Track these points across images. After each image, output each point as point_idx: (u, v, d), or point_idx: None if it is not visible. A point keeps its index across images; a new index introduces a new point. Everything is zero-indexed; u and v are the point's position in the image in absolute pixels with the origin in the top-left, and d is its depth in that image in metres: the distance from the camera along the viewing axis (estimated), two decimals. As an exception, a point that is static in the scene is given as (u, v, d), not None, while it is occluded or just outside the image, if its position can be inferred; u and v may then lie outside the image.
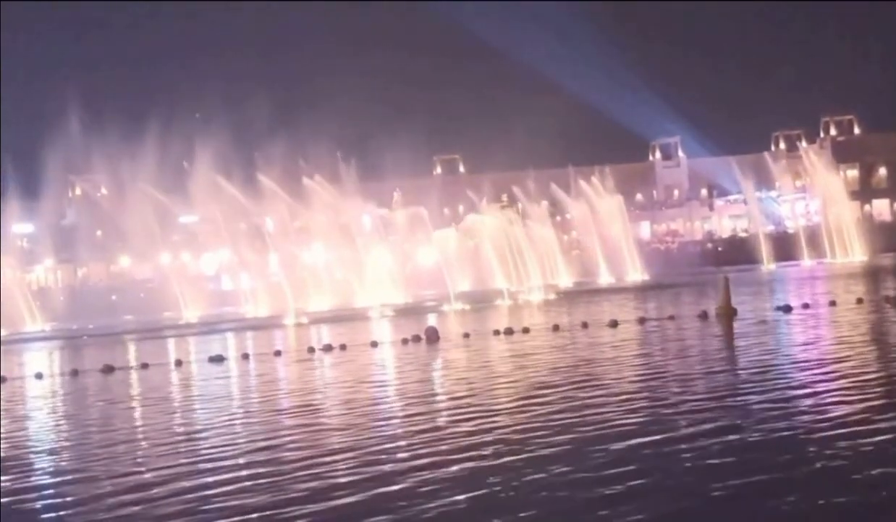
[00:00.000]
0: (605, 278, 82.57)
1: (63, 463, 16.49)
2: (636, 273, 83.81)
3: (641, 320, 35.62)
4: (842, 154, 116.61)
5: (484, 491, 12.19)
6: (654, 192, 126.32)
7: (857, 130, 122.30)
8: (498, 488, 12.34)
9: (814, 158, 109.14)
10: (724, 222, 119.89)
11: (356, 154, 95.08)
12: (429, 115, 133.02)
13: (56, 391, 28.36)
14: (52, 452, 17.90)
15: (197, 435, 18.23)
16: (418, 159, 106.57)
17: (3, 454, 17.10)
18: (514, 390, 20.91)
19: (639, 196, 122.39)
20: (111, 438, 18.43)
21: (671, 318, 36.02)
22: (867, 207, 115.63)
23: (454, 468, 13.63)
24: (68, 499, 13.39)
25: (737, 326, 31.68)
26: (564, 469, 13.02)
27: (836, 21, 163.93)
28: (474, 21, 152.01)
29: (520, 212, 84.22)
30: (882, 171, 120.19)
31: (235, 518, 11.78)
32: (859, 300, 37.73)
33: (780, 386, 18.67)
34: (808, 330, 30.10)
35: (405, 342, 33.95)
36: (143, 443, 17.76)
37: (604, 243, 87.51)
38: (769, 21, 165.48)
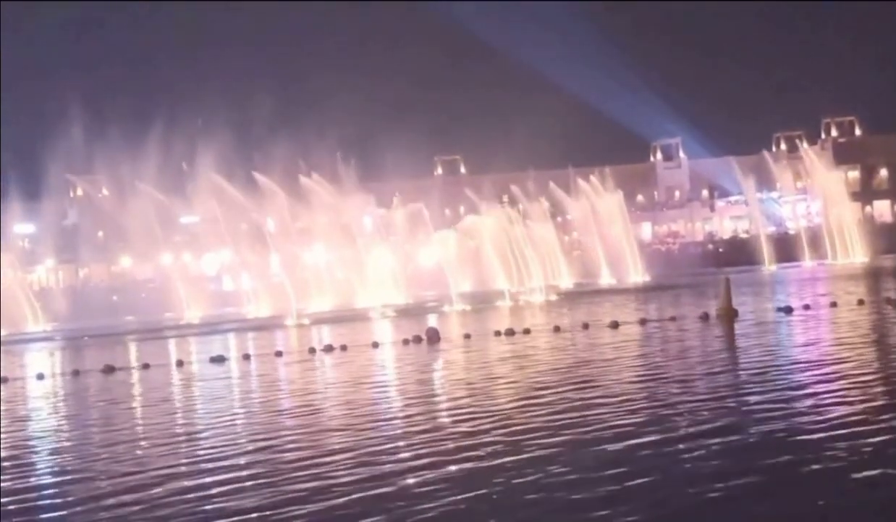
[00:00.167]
0: (606, 279, 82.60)
1: (64, 463, 16.50)
2: (637, 274, 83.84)
3: (642, 322, 35.63)
4: (843, 155, 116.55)
5: (483, 491, 12.20)
6: (655, 193, 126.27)
7: (857, 132, 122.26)
8: (497, 488, 12.35)
9: (814, 158, 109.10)
10: (725, 223, 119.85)
11: (357, 155, 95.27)
12: (430, 115, 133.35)
13: (57, 391, 28.38)
14: (52, 452, 17.92)
15: (197, 435, 18.25)
16: (419, 160, 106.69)
17: (3, 454, 17.12)
18: (514, 390, 20.92)
19: (640, 197, 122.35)
20: (112, 438, 18.45)
21: (672, 319, 36.01)
22: (868, 208, 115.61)
23: (454, 468, 13.65)
24: (68, 499, 13.40)
25: (738, 327, 31.68)
26: (563, 469, 13.03)
27: (837, 22, 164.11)
28: (475, 21, 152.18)
29: (521, 212, 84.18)
30: (883, 172, 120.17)
31: (235, 518, 11.79)
32: (860, 302, 37.73)
33: (780, 387, 18.67)
34: (809, 331, 30.10)
35: (406, 342, 33.96)
36: (143, 443, 17.77)
37: (605, 243, 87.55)
38: (770, 21, 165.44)
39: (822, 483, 11.67)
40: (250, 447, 16.25)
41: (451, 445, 15.18)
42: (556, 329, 35.38)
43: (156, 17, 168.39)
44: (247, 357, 33.14)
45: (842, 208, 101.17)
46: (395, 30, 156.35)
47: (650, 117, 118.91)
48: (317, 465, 14.33)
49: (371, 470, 13.71)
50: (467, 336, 34.89)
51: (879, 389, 17.64)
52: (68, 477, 14.97)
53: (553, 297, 60.00)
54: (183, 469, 14.88)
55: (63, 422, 22.14)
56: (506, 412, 18.01)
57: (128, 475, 14.69)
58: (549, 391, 20.02)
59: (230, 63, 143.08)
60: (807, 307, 37.05)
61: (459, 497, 12.02)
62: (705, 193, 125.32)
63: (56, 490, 14.20)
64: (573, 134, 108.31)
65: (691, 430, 15.04)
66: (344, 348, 33.34)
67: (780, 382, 19.35)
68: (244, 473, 14.17)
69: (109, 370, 31.48)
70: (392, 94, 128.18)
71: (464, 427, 16.61)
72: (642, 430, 15.23)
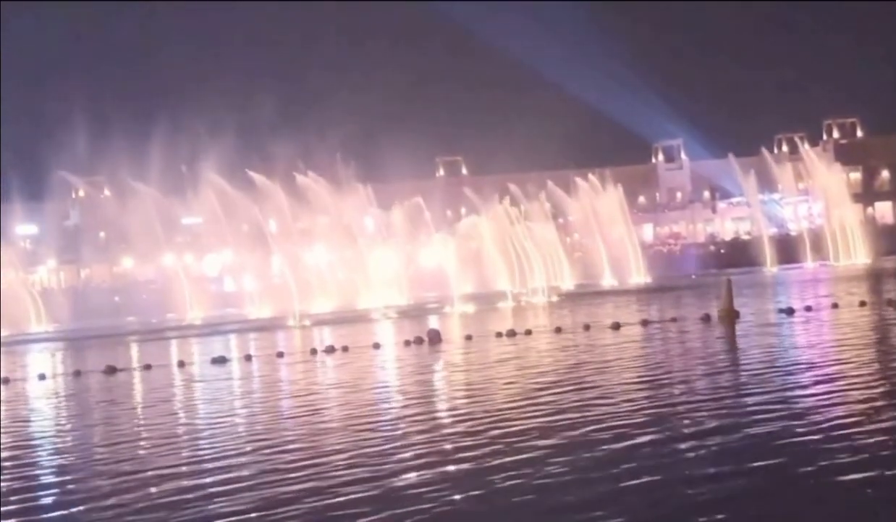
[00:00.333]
0: (607, 281, 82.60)
1: (64, 464, 16.54)
2: (639, 276, 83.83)
3: (644, 323, 35.63)
4: (844, 157, 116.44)
5: (483, 491, 12.22)
6: (657, 194, 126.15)
7: (859, 133, 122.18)
8: (496, 488, 12.36)
9: (816, 160, 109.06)
10: (727, 224, 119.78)
11: (358, 156, 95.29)
12: (431, 116, 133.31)
13: (59, 391, 28.41)
14: (53, 452, 17.96)
15: (198, 436, 18.28)
16: (421, 161, 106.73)
17: (4, 455, 17.14)
18: (514, 391, 20.94)
19: (641, 198, 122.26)
20: (113, 438, 18.48)
21: (673, 320, 36.00)
22: (870, 209, 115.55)
23: (453, 468, 13.67)
24: (69, 499, 13.43)
25: (739, 328, 31.69)
26: (562, 469, 13.04)
27: (839, 22, 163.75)
28: (475, 21, 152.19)
29: (522, 213, 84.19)
30: (885, 174, 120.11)
31: (235, 518, 11.81)
32: (862, 303, 37.71)
33: (780, 388, 18.68)
34: (810, 333, 30.07)
35: (407, 343, 33.97)
36: (144, 443, 17.79)
37: (606, 244, 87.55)
38: (771, 22, 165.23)
39: (822, 483, 11.67)
40: (251, 448, 16.26)
41: (450, 445, 15.20)
42: (558, 330, 35.38)
43: (156, 18, 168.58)
44: (248, 358, 33.17)
45: (843, 210, 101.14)
46: (396, 30, 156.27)
47: (651, 118, 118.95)
48: (317, 465, 14.35)
49: (371, 470, 13.73)
50: (469, 337, 34.90)
51: (879, 390, 17.64)
52: (69, 477, 15.00)
53: (554, 298, 60.01)
54: (184, 469, 14.90)
55: (64, 422, 22.18)
56: (506, 412, 18.02)
57: (128, 475, 14.70)
58: (550, 392, 20.03)
59: (231, 63, 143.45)
60: (808, 309, 37.03)
61: (459, 497, 12.04)
62: (707, 194, 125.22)
63: (57, 490, 14.24)
64: (575, 135, 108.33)
65: (691, 430, 15.05)
66: (345, 349, 33.36)
67: (781, 383, 19.35)
68: (244, 473, 14.18)
69: (111, 370, 31.52)
70: (393, 94, 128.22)
71: (463, 428, 16.63)
72: (642, 430, 15.24)
